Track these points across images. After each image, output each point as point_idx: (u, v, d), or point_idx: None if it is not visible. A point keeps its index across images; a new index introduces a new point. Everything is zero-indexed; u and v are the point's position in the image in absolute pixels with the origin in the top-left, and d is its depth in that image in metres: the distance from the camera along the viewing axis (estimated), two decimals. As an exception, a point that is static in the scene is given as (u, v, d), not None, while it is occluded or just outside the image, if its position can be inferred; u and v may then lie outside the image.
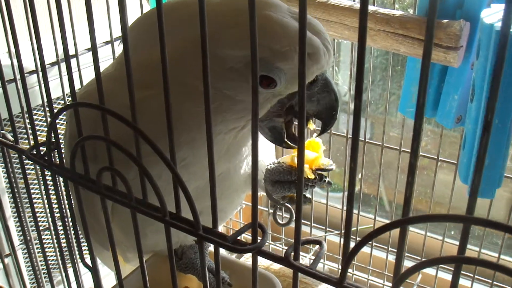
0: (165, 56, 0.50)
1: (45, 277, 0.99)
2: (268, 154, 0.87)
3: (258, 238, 0.53)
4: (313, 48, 0.64)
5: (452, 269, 0.48)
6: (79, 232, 0.75)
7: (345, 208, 1.40)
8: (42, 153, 0.68)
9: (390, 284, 1.41)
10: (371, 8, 0.97)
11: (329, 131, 0.99)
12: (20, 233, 0.97)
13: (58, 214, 0.77)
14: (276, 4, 0.65)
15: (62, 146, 0.69)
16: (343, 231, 1.43)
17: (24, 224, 0.92)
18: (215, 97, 0.63)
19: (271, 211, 1.04)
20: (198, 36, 0.46)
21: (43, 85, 0.69)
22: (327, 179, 0.79)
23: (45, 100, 0.98)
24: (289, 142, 0.75)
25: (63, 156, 0.67)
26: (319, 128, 0.76)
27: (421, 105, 0.41)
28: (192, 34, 0.47)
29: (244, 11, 0.62)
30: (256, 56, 0.45)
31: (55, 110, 0.64)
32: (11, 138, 0.76)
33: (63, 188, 0.77)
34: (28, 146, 0.70)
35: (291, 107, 0.71)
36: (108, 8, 1.07)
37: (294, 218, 0.89)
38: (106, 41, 1.12)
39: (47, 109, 1.05)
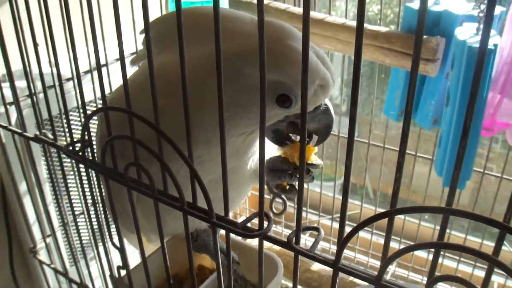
0: (185, 74, 0.49)
1: (80, 254, 0.99)
2: (271, 152, 0.85)
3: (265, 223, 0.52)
4: (326, 81, 0.64)
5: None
6: (109, 217, 0.74)
7: (336, 196, 1.41)
8: (77, 149, 0.67)
9: (374, 261, 1.42)
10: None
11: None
12: (59, 217, 0.96)
13: (91, 201, 0.76)
14: (300, 37, 0.63)
15: (94, 143, 0.68)
16: (334, 216, 1.43)
17: (62, 209, 0.92)
18: (231, 106, 0.62)
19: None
20: (223, 51, 0.45)
21: (78, 91, 0.68)
22: (312, 174, 0.78)
23: (80, 103, 0.97)
24: (288, 143, 0.74)
25: (95, 152, 0.66)
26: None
27: (409, 112, 0.40)
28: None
29: (276, 40, 0.61)
30: (264, 70, 0.44)
31: (88, 112, 0.63)
32: (51, 136, 0.76)
33: (94, 179, 0.76)
34: (65, 143, 0.70)
35: (293, 122, 0.70)
36: (134, 23, 1.06)
37: (286, 209, 0.89)
38: (132, 52, 1.11)
39: (81, 111, 1.05)
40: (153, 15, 1.15)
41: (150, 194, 0.57)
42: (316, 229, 0.53)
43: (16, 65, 0.76)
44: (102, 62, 1.01)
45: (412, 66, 0.38)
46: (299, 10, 1.03)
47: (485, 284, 0.44)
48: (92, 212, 0.78)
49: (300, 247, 0.50)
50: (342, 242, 0.47)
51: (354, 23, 0.96)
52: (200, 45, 0.62)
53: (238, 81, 0.61)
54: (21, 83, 0.82)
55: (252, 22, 0.64)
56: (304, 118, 0.45)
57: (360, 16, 0.38)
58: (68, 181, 1.04)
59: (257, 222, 0.52)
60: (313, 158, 0.78)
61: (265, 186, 0.86)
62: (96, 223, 0.77)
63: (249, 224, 0.53)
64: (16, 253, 1.08)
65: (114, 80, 1.05)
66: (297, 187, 0.82)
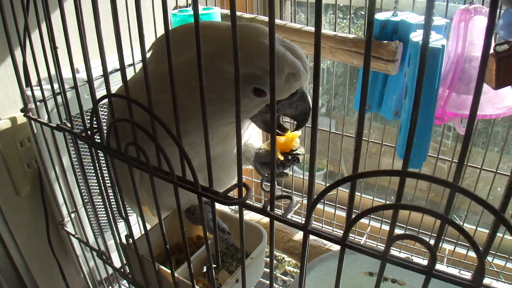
0: (172, 70, 0.45)
1: (97, 228, 0.94)
2: (257, 139, 0.81)
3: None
4: (295, 69, 0.58)
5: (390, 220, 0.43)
6: (117, 194, 0.70)
7: (317, 181, 1.36)
8: (88, 135, 0.63)
9: (338, 231, 1.37)
10: (333, 32, 0.92)
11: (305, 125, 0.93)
12: (85, 196, 0.92)
13: (104, 182, 0.72)
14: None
15: (104, 130, 0.64)
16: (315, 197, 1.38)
17: (83, 190, 0.88)
18: (217, 100, 0.58)
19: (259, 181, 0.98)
20: (204, 53, 0.42)
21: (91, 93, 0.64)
22: (300, 162, 0.73)
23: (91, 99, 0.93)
24: (277, 131, 0.69)
25: (104, 136, 0.62)
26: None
27: (364, 95, 0.36)
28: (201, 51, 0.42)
29: (246, 38, 0.56)
30: (238, 71, 0.40)
31: (100, 109, 0.59)
32: (69, 125, 0.72)
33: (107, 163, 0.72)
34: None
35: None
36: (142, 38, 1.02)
37: (276, 186, 0.84)
38: (139, 60, 1.07)
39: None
40: (160, 31, 1.11)
41: (146, 170, 0.53)
42: (289, 197, 0.49)
43: (46, 72, 0.73)
44: (116, 68, 0.96)
45: (364, 63, 0.34)
46: (279, 21, 0.98)
47: (438, 240, 0.39)
48: (104, 192, 0.73)
49: (274, 213, 0.46)
50: (311, 205, 0.42)
51: (324, 31, 0.91)
52: (189, 50, 0.58)
53: (220, 77, 0.57)
54: (49, 86, 0.79)
55: (228, 27, 0.59)
56: (273, 117, 0.40)
57: (318, 18, 0.34)
58: (88, 167, 1.00)
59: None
60: (296, 146, 0.73)
61: (248, 167, 0.81)
62: (107, 201, 0.72)
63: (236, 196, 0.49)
64: (51, 224, 1.06)
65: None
66: (284, 171, 0.78)
